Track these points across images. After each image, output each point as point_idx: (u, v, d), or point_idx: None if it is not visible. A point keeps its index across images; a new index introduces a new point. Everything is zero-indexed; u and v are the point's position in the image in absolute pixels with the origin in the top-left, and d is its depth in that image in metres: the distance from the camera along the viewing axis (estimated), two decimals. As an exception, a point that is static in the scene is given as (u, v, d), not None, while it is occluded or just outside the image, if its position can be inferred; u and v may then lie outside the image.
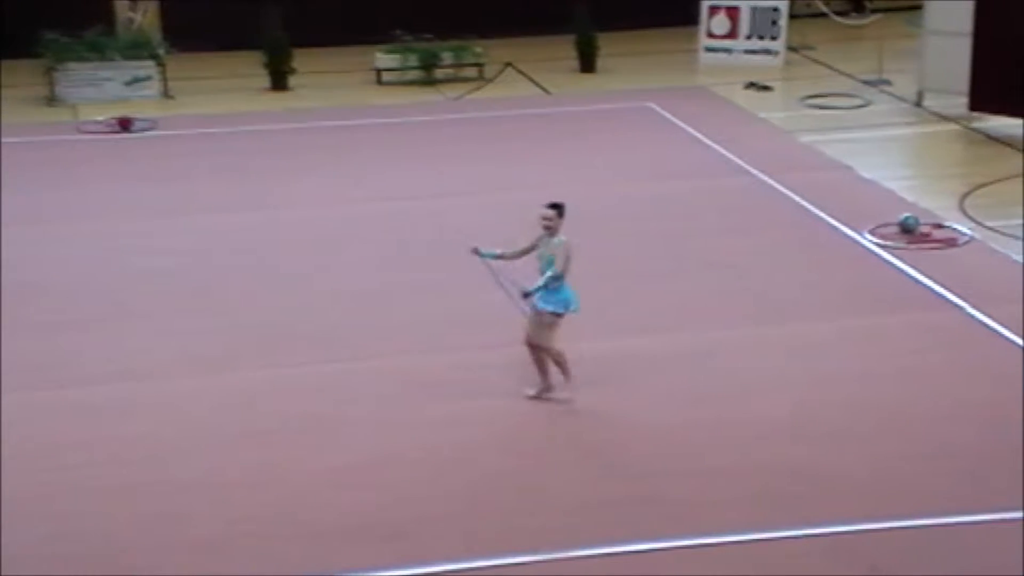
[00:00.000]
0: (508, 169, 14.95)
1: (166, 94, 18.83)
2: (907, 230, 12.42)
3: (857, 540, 7.47)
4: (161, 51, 18.86)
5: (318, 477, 8.28)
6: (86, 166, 15.40)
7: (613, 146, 15.85)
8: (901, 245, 12.19)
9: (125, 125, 16.92)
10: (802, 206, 13.39)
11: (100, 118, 17.19)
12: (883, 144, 16.17)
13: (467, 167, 15.03)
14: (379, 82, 19.56)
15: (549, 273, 8.79)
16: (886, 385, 9.47)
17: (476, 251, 9.19)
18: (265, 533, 7.65)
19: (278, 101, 18.61)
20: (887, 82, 18.67)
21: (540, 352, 9.07)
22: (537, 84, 19.40)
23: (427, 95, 18.89)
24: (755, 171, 14.58)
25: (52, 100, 18.39)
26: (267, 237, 12.87)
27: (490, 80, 19.55)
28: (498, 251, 9.15)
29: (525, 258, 9.08)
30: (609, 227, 12.93)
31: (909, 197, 13.62)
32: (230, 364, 9.93)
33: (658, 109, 17.48)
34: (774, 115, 17.39)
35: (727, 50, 20.56)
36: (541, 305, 8.86)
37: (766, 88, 18.89)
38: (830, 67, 20.03)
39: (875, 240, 12.34)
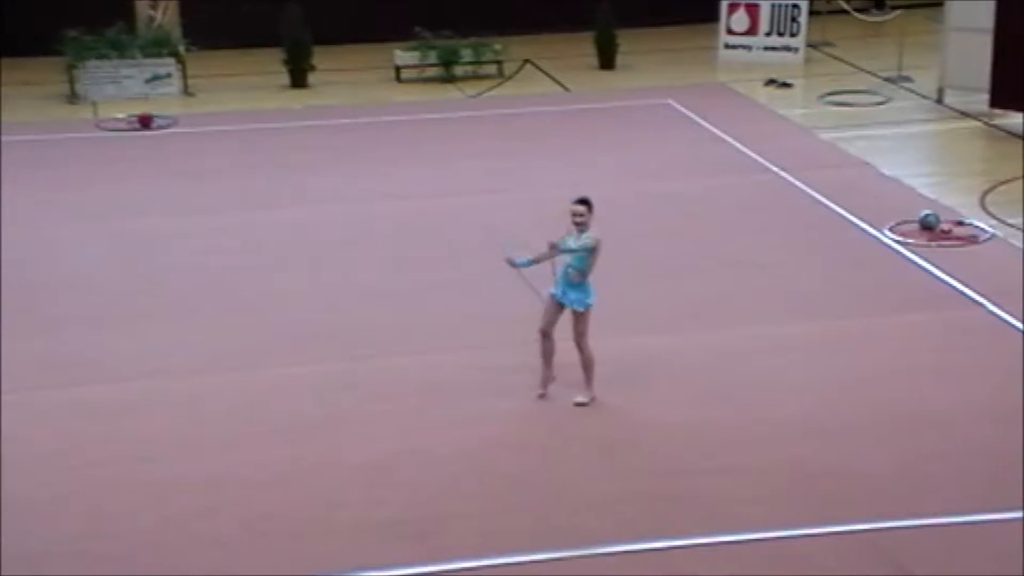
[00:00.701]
0: (527, 166, 14.94)
1: (186, 91, 18.89)
2: (928, 227, 12.37)
3: (881, 538, 7.46)
4: (181, 48, 18.92)
5: (342, 475, 8.30)
6: (106, 163, 15.45)
7: (633, 143, 15.83)
8: (922, 242, 12.15)
9: (145, 122, 16.99)
10: (822, 203, 13.36)
11: (120, 115, 17.26)
12: (904, 141, 16.11)
13: (486, 164, 15.03)
14: (398, 79, 19.58)
15: (576, 266, 8.74)
16: (907, 382, 9.44)
17: (510, 262, 9.14)
18: (289, 530, 7.67)
19: (298, 98, 18.65)
20: (908, 79, 18.60)
21: (552, 343, 9.02)
22: (556, 81, 19.39)
23: (446, 92, 18.90)
24: (775, 168, 14.54)
25: (73, 98, 18.47)
26: (287, 234, 12.90)
27: (509, 77, 19.55)
28: (527, 259, 9.11)
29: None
30: (629, 224, 12.90)
31: (930, 194, 13.57)
32: (253, 361, 9.96)
33: (678, 106, 17.45)
34: (794, 112, 17.35)
35: (747, 47, 20.50)
36: (578, 306, 8.85)
37: (786, 85, 18.84)
38: (850, 64, 19.96)
39: (896, 237, 12.30)
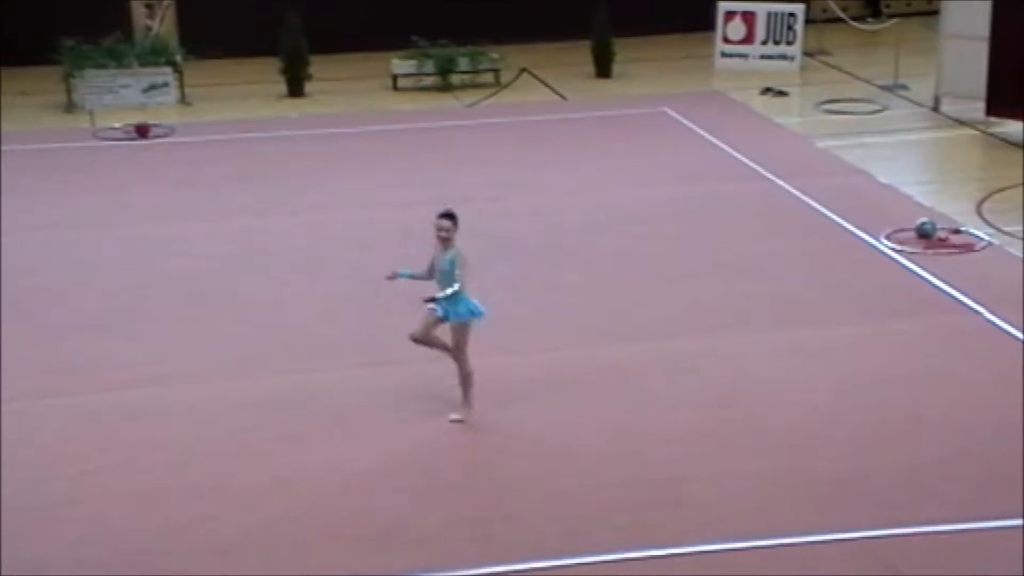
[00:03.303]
0: (524, 174, 14.96)
1: (183, 100, 18.90)
2: (924, 235, 12.40)
3: (879, 546, 7.46)
4: (178, 58, 18.95)
5: (342, 481, 8.30)
6: (104, 172, 15.46)
7: (629, 151, 15.86)
8: (918, 250, 12.17)
9: (142, 132, 17.00)
10: (819, 211, 13.38)
11: (117, 124, 17.27)
12: (900, 149, 16.15)
13: (482, 173, 15.05)
14: (395, 88, 19.61)
15: (455, 287, 8.59)
16: (904, 389, 9.45)
17: (392, 276, 9.05)
18: (290, 537, 7.67)
19: (295, 107, 18.66)
20: (904, 87, 18.64)
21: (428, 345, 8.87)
22: (553, 89, 19.42)
23: (443, 101, 18.93)
24: (771, 176, 14.57)
25: (70, 107, 18.47)
26: (284, 242, 12.90)
27: (506, 86, 19.58)
28: (411, 271, 8.99)
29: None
30: (625, 231, 12.94)
31: (926, 202, 13.60)
32: (251, 369, 9.96)
33: (674, 114, 17.48)
34: (790, 120, 17.39)
35: (743, 55, 20.55)
36: (453, 317, 8.68)
37: (782, 93, 18.88)
38: (847, 72, 20.01)
39: (892, 245, 12.32)
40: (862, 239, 12.56)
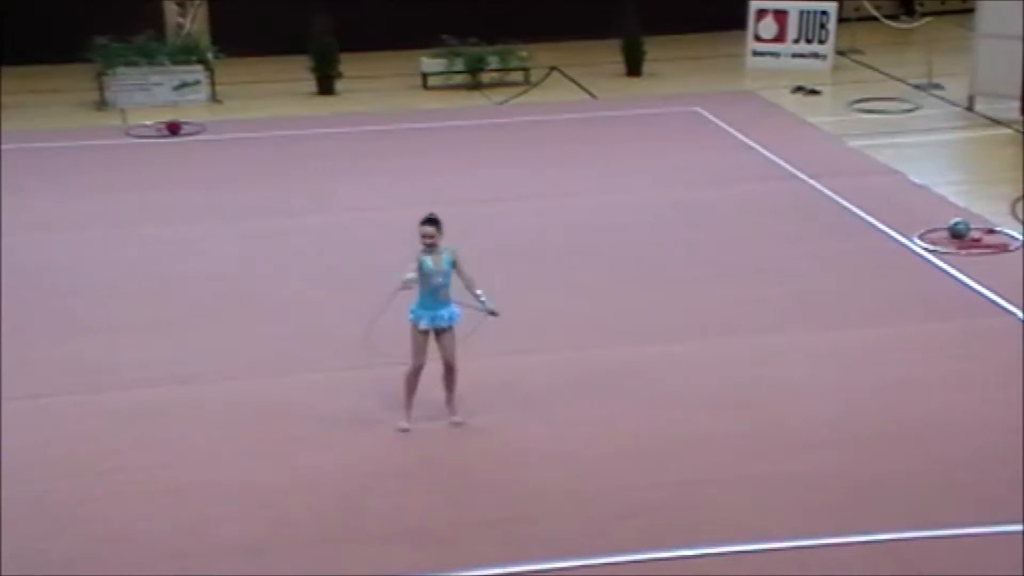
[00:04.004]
0: (553, 174, 14.92)
1: (214, 98, 18.97)
2: (957, 235, 12.27)
3: (903, 548, 7.38)
4: (210, 56, 19.01)
5: (366, 481, 8.28)
6: (135, 170, 15.52)
7: (660, 151, 15.78)
8: (951, 251, 12.05)
9: (174, 129, 17.07)
10: (851, 211, 13.27)
11: (149, 122, 17.35)
12: (933, 149, 16.00)
13: (512, 172, 15.02)
14: (425, 86, 19.60)
15: (480, 293, 8.50)
16: (936, 391, 9.35)
17: (407, 285, 8.70)
18: (313, 537, 7.66)
19: (325, 106, 18.69)
20: (938, 86, 18.47)
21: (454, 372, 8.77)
22: (583, 88, 19.37)
23: (473, 99, 18.91)
24: (803, 176, 14.47)
25: (102, 105, 18.57)
26: (313, 241, 12.91)
27: (536, 84, 19.55)
28: (411, 275, 8.66)
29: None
30: (655, 232, 12.88)
31: (960, 202, 13.46)
32: (275, 368, 9.96)
33: (705, 114, 17.39)
34: (822, 120, 17.25)
35: (775, 54, 20.42)
36: (448, 320, 8.60)
37: (814, 92, 18.75)
38: (880, 71, 19.85)
39: (925, 245, 12.20)
40: (894, 239, 12.44)
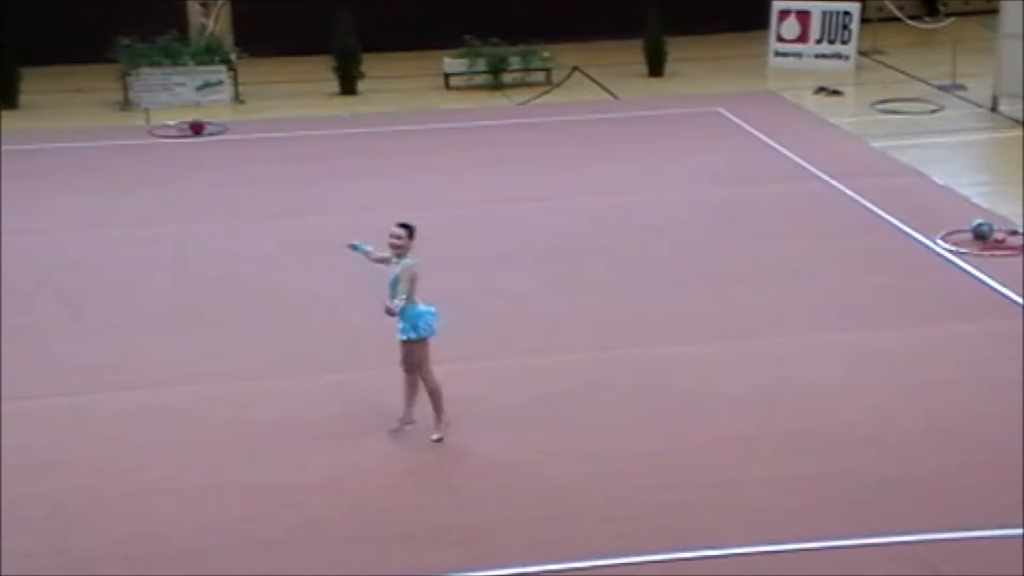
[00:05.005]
0: (574, 174, 14.91)
1: (237, 99, 19.04)
2: (981, 237, 12.21)
3: (926, 550, 7.35)
4: (233, 56, 19.09)
5: (389, 480, 8.30)
6: (158, 170, 15.59)
7: (682, 151, 15.77)
8: (975, 252, 11.99)
9: (197, 129, 17.14)
10: (873, 212, 13.23)
11: (172, 122, 17.43)
12: (957, 150, 15.93)
13: (533, 172, 15.02)
14: (447, 87, 19.63)
15: (402, 297, 8.29)
16: (958, 393, 9.31)
17: (353, 246, 8.81)
18: (336, 536, 7.68)
19: (347, 106, 18.74)
20: (961, 87, 18.38)
21: (414, 379, 8.62)
22: (605, 89, 19.36)
23: (495, 100, 18.92)
24: (825, 176, 14.43)
25: (126, 105, 18.67)
26: (336, 240, 12.89)
27: (558, 85, 19.55)
28: (368, 247, 8.77)
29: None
30: (678, 232, 12.86)
31: (983, 203, 13.40)
32: (298, 368, 9.99)
33: (727, 114, 17.35)
34: (845, 120, 17.20)
35: (797, 54, 20.38)
36: (400, 335, 8.46)
37: (837, 93, 18.69)
38: (903, 72, 19.77)
39: (948, 247, 12.15)
40: (917, 240, 12.40)
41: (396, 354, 10.09)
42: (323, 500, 8.07)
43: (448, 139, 16.67)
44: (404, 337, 8.52)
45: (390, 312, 8.39)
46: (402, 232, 8.49)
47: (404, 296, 8.34)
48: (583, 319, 10.77)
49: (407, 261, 8.44)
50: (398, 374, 9.68)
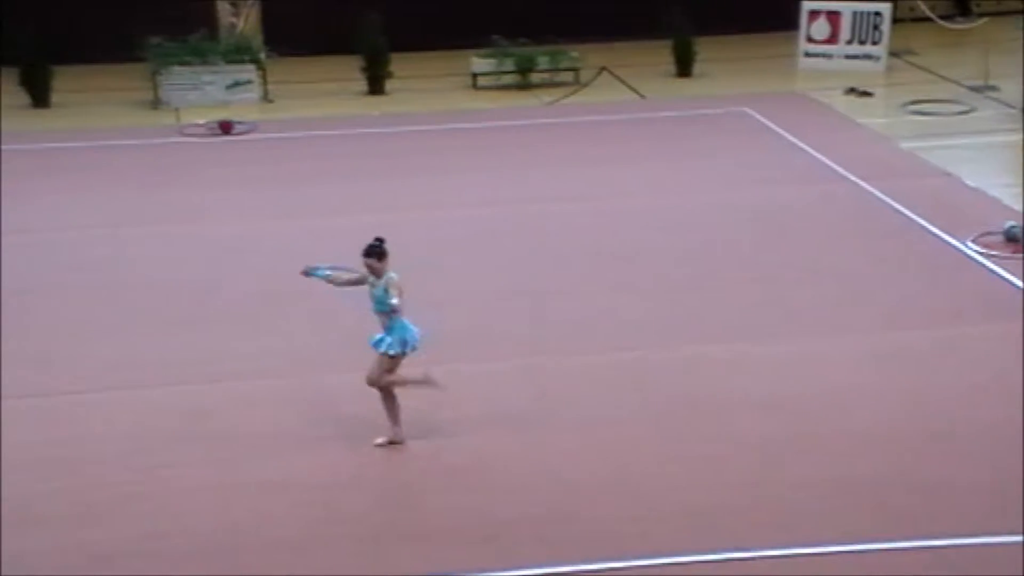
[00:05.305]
0: (602, 175, 14.88)
1: (266, 98, 19.11)
2: (1012, 239, 12.11)
3: (955, 554, 7.29)
4: (262, 55, 19.16)
5: (410, 479, 8.31)
6: (188, 168, 15.66)
7: (709, 152, 15.71)
8: (1006, 254, 11.89)
9: (226, 128, 17.21)
10: (903, 213, 13.14)
11: (202, 121, 17.50)
12: (988, 151, 15.79)
13: (560, 172, 15.00)
14: (475, 86, 19.64)
15: (394, 302, 8.23)
16: (988, 396, 9.23)
17: (306, 272, 8.81)
18: (358, 534, 7.69)
19: (375, 105, 18.77)
20: (993, 88, 18.23)
21: (388, 396, 8.54)
22: (633, 89, 19.31)
23: (522, 99, 18.92)
24: (854, 178, 14.34)
25: (156, 103, 18.77)
26: (362, 240, 12.92)
27: (586, 84, 19.52)
28: (328, 271, 8.77)
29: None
30: (704, 233, 12.81)
31: (1015, 205, 13.28)
32: (322, 366, 10.00)
33: (755, 115, 17.28)
34: (875, 121, 17.10)
35: (827, 55, 20.26)
36: (389, 349, 8.39)
37: (867, 94, 18.57)
38: (934, 72, 19.63)
39: (979, 249, 12.06)
40: (948, 242, 12.30)
41: (419, 353, 10.08)
42: (345, 499, 8.08)
43: (475, 139, 16.67)
44: (393, 352, 8.42)
45: (393, 310, 8.31)
46: (371, 261, 8.43)
47: (396, 300, 8.28)
48: (606, 320, 10.74)
49: (390, 275, 8.40)
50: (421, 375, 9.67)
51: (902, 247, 12.31)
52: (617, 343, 10.25)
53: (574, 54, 19.69)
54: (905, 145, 15.78)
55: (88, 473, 8.43)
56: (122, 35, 18.98)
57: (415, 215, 13.66)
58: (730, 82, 19.46)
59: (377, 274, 8.43)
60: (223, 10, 19.91)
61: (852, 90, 18.69)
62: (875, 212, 13.32)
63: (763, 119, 17.02)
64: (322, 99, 19.06)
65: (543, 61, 19.53)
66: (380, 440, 8.65)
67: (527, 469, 8.41)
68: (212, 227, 13.37)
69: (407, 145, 16.43)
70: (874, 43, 20.05)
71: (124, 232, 13.25)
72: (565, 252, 12.34)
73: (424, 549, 7.51)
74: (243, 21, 19.87)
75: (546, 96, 18.99)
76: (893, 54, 20.31)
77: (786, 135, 16.24)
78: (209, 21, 19.68)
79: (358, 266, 8.55)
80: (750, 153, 15.61)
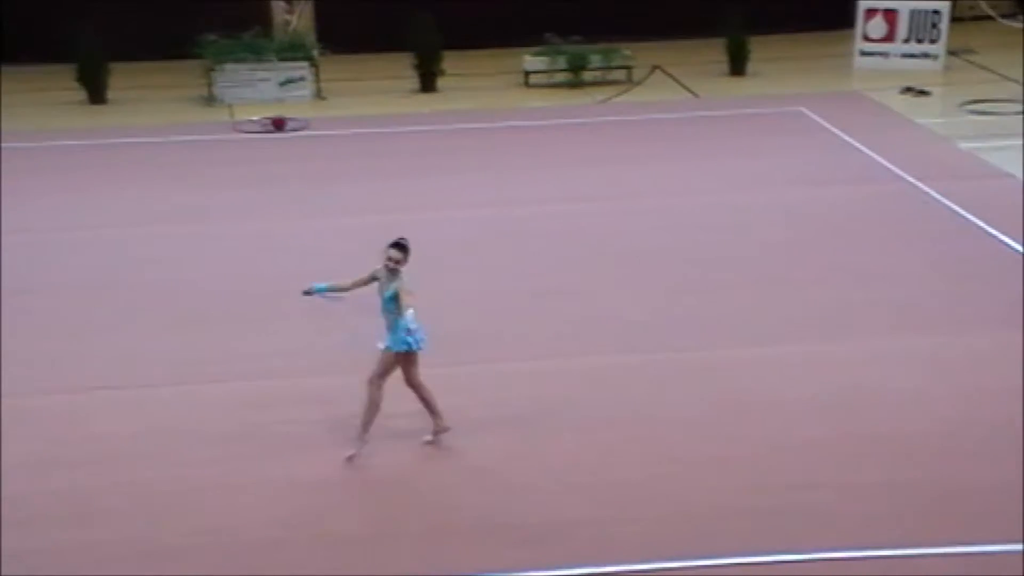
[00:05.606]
0: (654, 173, 14.80)
1: (319, 95, 19.20)
2: (1073, 242, 11.89)
3: (995, 561, 7.17)
4: (315, 52, 19.25)
5: (461, 477, 8.28)
6: (240, 165, 15.75)
7: (763, 151, 15.57)
8: (1066, 257, 11.68)
9: (279, 125, 17.30)
10: (960, 215, 12.95)
11: (255, 118, 17.61)
12: (1048, 152, 15.52)
13: (611, 171, 14.93)
14: (527, 84, 19.61)
15: (410, 315, 8.25)
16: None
17: (308, 291, 8.81)
18: (406, 532, 7.68)
19: (427, 103, 18.80)
20: (1054, 87, 17.94)
21: (422, 392, 8.53)
22: (686, 87, 19.19)
23: (575, 98, 18.86)
24: (910, 178, 14.16)
25: (210, 100, 18.91)
26: (413, 238, 12.91)
27: (638, 83, 19.42)
28: (328, 284, 8.79)
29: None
30: (757, 233, 12.70)
31: (1075, 207, 13.05)
32: (370, 364, 9.98)
33: (810, 114, 17.11)
34: (932, 121, 16.87)
35: (883, 54, 20.02)
36: (397, 347, 8.31)
37: (924, 93, 18.33)
38: (993, 72, 19.33)
39: (1038, 251, 11.85)
40: (1006, 244, 12.10)
41: (468, 352, 10.07)
42: (399, 495, 8.08)
43: (527, 137, 16.64)
44: (403, 348, 8.35)
45: (398, 312, 8.29)
46: (399, 255, 8.43)
47: (411, 314, 8.28)
48: (655, 320, 10.66)
49: (403, 281, 8.38)
50: (468, 372, 9.68)
51: (959, 249, 12.13)
52: (663, 344, 10.19)
53: (627, 52, 19.60)
54: (963, 145, 15.55)
55: (143, 468, 8.47)
56: (177, 32, 19.15)
57: (462, 213, 13.63)
58: (785, 81, 19.29)
59: (397, 267, 8.33)
60: (277, 8, 20.04)
61: (909, 89, 18.45)
62: (932, 213, 13.14)
63: (818, 119, 16.85)
64: (374, 96, 19.11)
65: (595, 59, 19.46)
66: (427, 437, 8.63)
67: (579, 468, 8.35)
68: (263, 224, 13.41)
69: (458, 143, 16.43)
70: (932, 42, 19.79)
71: (175, 228, 13.32)
72: (610, 251, 12.27)
73: (478, 548, 7.48)
74: (297, 18, 19.98)
75: (598, 94, 18.91)
76: (951, 53, 20.03)
77: (842, 135, 16.06)
78: (263, 19, 19.81)
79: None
80: (805, 153, 15.46)
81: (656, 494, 8.01)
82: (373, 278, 8.54)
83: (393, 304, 8.33)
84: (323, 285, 8.92)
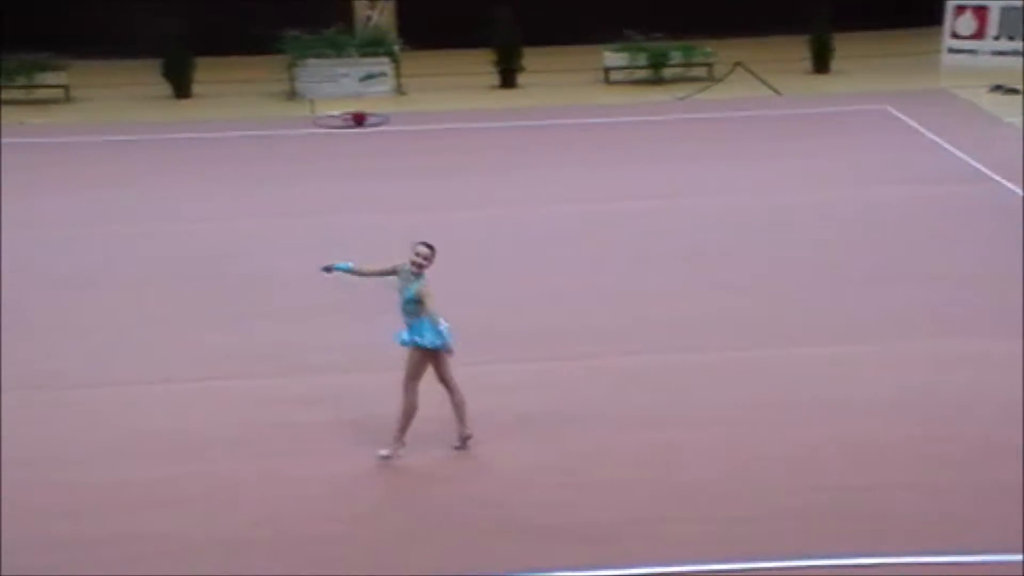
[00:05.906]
0: (734, 171, 14.63)
1: (399, 90, 19.30)
2: None
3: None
4: (396, 48, 19.35)
5: (512, 474, 8.19)
6: (320, 160, 15.87)
7: (846, 149, 15.34)
8: None
9: (359, 120, 17.42)
10: (1049, 217, 12.62)
11: (336, 113, 17.74)
12: None
13: (689, 168, 14.80)
14: (607, 81, 19.53)
15: (442, 321, 8.13)
16: None
17: (328, 268, 8.73)
18: (462, 527, 7.62)
19: (507, 99, 18.80)
20: None
21: (454, 393, 8.31)
22: (768, 85, 18.96)
23: (655, 95, 18.74)
24: (997, 177, 13.85)
25: (292, 95, 19.10)
26: (488, 233, 12.94)
27: (719, 80, 19.24)
28: (352, 264, 8.68)
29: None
30: (837, 232, 12.50)
31: None
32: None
33: (895, 112, 16.82)
34: (1022, 120, 16.47)
35: (972, 51, 19.62)
36: (429, 344, 8.16)
37: (1014, 92, 17.91)
38: (1087, 70, 18.84)
39: None
40: (1096, 248, 11.76)
41: (522, 350, 9.94)
42: (449, 491, 8.01)
43: (606, 134, 16.57)
44: (432, 345, 8.24)
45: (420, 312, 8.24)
46: (428, 252, 8.35)
47: (426, 309, 8.20)
48: (720, 319, 10.51)
49: (424, 282, 8.29)
50: (529, 369, 9.56)
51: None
52: (728, 343, 9.98)
53: (708, 49, 19.44)
54: (1054, 146, 15.18)
55: (205, 459, 8.43)
56: (261, 28, 19.38)
57: (540, 209, 13.57)
58: (869, 79, 18.98)
59: (425, 265, 8.29)
60: (359, 4, 20.19)
61: (998, 88, 18.05)
62: (1017, 214, 12.81)
63: (904, 117, 16.56)
64: (454, 92, 19.17)
65: (676, 56, 19.32)
66: (456, 444, 8.50)
67: (636, 467, 8.22)
68: (342, 219, 13.46)
69: (536, 139, 16.40)
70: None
71: (254, 222, 13.39)
72: (680, 250, 12.13)
73: (529, 544, 7.39)
74: (378, 14, 20.10)
75: (678, 91, 18.77)
76: (1043, 51, 19.57)
77: (928, 134, 15.77)
78: (345, 15, 19.97)
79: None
80: (891, 151, 15.20)
81: (713, 493, 7.86)
82: (394, 271, 8.46)
83: (414, 306, 8.28)
84: (345, 264, 8.84)
